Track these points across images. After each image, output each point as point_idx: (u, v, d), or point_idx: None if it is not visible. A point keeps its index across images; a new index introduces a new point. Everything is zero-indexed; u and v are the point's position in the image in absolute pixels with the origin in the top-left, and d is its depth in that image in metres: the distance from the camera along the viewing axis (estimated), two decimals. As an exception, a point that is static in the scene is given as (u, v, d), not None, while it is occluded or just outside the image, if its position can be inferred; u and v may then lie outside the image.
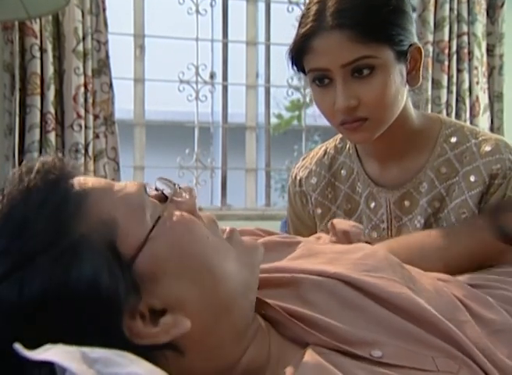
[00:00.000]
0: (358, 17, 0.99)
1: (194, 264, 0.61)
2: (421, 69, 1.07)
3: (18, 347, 0.45)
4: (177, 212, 0.63)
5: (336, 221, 0.97)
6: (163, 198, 0.65)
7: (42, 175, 0.61)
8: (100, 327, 0.55)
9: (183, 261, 0.61)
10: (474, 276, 0.85)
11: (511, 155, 1.07)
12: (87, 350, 0.48)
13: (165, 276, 0.59)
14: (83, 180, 0.62)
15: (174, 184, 0.67)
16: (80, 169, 0.65)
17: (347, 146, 1.21)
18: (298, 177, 1.26)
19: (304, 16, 1.04)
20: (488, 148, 1.08)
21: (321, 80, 1.03)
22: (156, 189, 0.67)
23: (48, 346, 0.48)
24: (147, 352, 0.55)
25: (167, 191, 0.66)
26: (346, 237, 0.93)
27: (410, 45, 1.04)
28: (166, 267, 0.60)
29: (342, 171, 1.21)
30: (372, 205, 1.15)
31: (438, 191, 1.10)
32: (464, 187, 1.07)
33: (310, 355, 0.62)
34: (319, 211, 1.22)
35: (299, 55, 1.04)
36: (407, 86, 1.07)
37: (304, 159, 1.29)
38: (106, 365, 0.46)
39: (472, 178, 1.07)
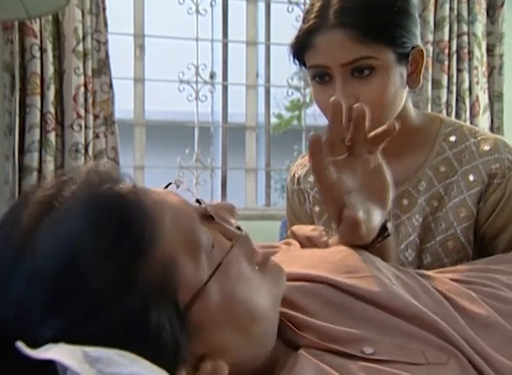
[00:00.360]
0: (361, 17, 0.99)
1: (240, 311, 0.58)
2: (422, 71, 1.07)
3: (20, 345, 0.45)
4: (235, 257, 0.59)
5: (294, 228, 0.96)
6: (206, 217, 0.60)
7: (94, 185, 0.53)
8: None
9: (231, 309, 0.58)
10: (458, 272, 0.86)
11: (510, 154, 1.07)
12: (88, 349, 0.47)
13: (213, 325, 0.56)
14: (156, 194, 0.55)
15: (200, 199, 0.61)
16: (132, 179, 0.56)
17: None
18: (296, 175, 1.26)
19: (307, 12, 1.04)
20: (487, 148, 1.08)
21: (321, 77, 1.03)
22: (197, 201, 0.61)
23: (49, 345, 0.47)
24: None
25: (208, 209, 0.60)
26: (310, 242, 0.91)
27: (413, 47, 1.04)
28: (216, 317, 0.56)
29: None
30: None
31: (436, 189, 1.10)
32: (463, 186, 1.08)
33: (304, 358, 0.61)
34: (317, 209, 1.22)
35: (300, 50, 1.05)
36: (407, 88, 1.07)
37: (302, 157, 1.29)
38: (108, 364, 0.46)
39: (471, 177, 1.07)
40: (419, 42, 1.06)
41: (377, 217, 0.81)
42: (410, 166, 1.12)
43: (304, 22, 1.04)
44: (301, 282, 0.72)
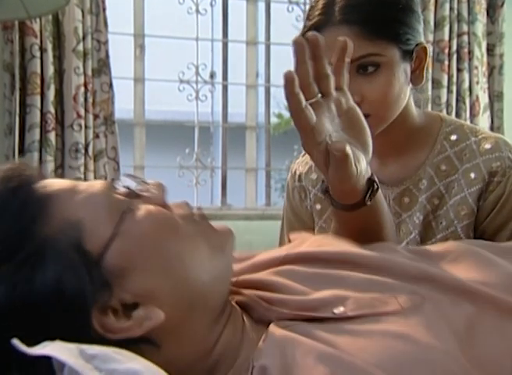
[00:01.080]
0: (367, 14, 0.99)
1: (164, 255, 0.61)
2: (425, 68, 1.08)
3: (16, 343, 0.46)
4: (143, 206, 0.63)
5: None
6: (133, 195, 0.65)
7: (3, 182, 0.61)
8: (70, 328, 0.55)
9: (152, 253, 0.61)
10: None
11: (510, 153, 1.08)
12: (85, 347, 0.48)
13: (134, 270, 0.59)
14: (46, 184, 0.62)
15: (143, 181, 0.67)
16: (46, 173, 0.66)
17: None
18: (298, 172, 1.26)
19: (312, 9, 1.05)
20: (487, 146, 1.08)
21: None
22: (124, 186, 0.67)
23: (45, 343, 0.48)
24: (122, 347, 0.54)
25: (135, 188, 0.66)
26: None
27: (417, 45, 1.05)
28: (135, 261, 0.60)
29: None
30: None
31: (437, 188, 1.10)
32: (464, 184, 1.08)
33: (272, 330, 0.62)
34: (318, 207, 1.22)
35: None
36: (410, 84, 1.08)
37: (304, 155, 1.29)
38: (104, 361, 0.47)
39: (472, 175, 1.08)
40: (422, 39, 1.07)
41: (363, 160, 0.78)
42: (412, 164, 1.13)
43: (308, 18, 1.05)
44: (270, 269, 0.74)
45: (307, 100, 0.73)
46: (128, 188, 0.66)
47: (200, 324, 0.63)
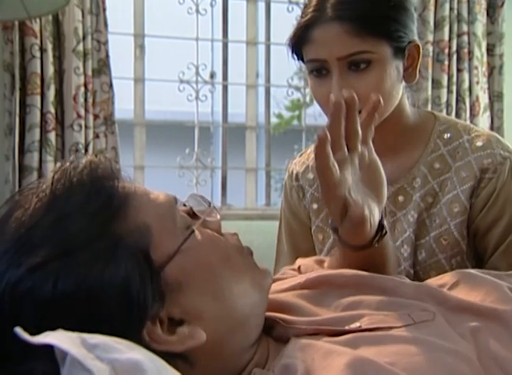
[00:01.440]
0: (358, 11, 1.00)
1: (216, 280, 0.64)
2: (418, 66, 1.08)
3: (19, 331, 0.46)
4: (207, 230, 0.67)
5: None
6: (193, 215, 0.69)
7: (88, 172, 0.63)
8: (123, 327, 0.57)
9: (208, 276, 0.64)
10: None
11: (502, 150, 1.08)
12: (86, 336, 0.49)
13: (188, 288, 0.62)
14: (127, 184, 0.64)
15: (208, 203, 0.71)
16: (123, 173, 0.67)
17: None
18: (295, 172, 1.27)
19: (306, 6, 1.06)
20: (479, 144, 1.09)
21: (318, 70, 1.05)
22: (184, 204, 0.70)
23: (47, 332, 0.48)
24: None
25: (196, 208, 0.69)
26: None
27: (409, 42, 1.05)
28: (191, 280, 0.62)
29: None
30: None
31: (431, 186, 1.11)
32: (456, 181, 1.09)
33: (292, 341, 0.66)
34: (315, 206, 1.22)
35: (298, 44, 1.06)
36: (404, 82, 1.08)
37: (301, 155, 1.30)
38: (106, 350, 0.47)
39: (464, 173, 1.08)
40: (415, 37, 1.07)
41: (377, 213, 0.82)
42: (406, 163, 1.13)
43: (301, 16, 1.06)
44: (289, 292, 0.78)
45: (334, 156, 0.76)
46: (190, 208, 0.69)
47: (234, 350, 0.65)
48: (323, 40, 1.01)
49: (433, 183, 1.10)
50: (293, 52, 1.08)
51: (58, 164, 0.64)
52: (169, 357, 0.57)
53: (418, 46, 1.07)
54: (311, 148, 1.29)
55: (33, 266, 0.56)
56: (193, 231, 0.64)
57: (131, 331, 0.57)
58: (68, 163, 0.64)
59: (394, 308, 0.70)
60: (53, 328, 0.51)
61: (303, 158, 1.28)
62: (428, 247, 1.10)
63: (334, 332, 0.67)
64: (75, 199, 0.61)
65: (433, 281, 0.83)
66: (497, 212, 1.07)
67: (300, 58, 1.08)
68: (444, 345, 0.62)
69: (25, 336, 0.46)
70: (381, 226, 0.85)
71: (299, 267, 0.94)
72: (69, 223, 0.59)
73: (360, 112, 1.01)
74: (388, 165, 1.14)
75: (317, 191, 1.22)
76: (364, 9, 1.00)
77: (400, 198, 1.13)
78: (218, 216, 0.70)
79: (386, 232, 0.86)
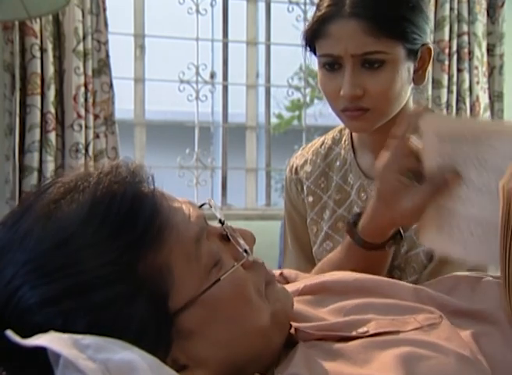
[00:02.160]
0: (376, 10, 1.00)
1: (231, 332, 0.60)
2: (428, 69, 1.09)
3: (10, 334, 0.45)
4: (230, 264, 0.61)
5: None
6: (225, 238, 0.64)
7: (129, 181, 0.57)
8: None
9: (223, 326, 0.60)
10: None
11: None
12: (78, 337, 0.48)
13: (200, 337, 0.58)
14: (164, 200, 0.58)
15: (233, 229, 0.65)
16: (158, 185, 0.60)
17: (344, 138, 1.23)
18: (294, 165, 1.28)
19: (321, 0, 1.05)
20: None
21: (331, 65, 1.05)
22: (220, 221, 0.65)
23: (39, 334, 0.48)
24: None
25: (230, 230, 0.64)
26: None
27: (423, 45, 1.06)
28: (205, 330, 0.58)
29: (336, 161, 1.22)
30: (364, 196, 1.17)
31: None
32: None
33: (299, 347, 0.64)
34: (310, 199, 1.23)
35: (313, 38, 1.06)
36: (412, 84, 1.08)
37: (303, 149, 1.31)
38: (98, 350, 0.47)
39: None
40: (429, 40, 1.08)
41: None
42: None
43: (318, 9, 1.05)
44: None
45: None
46: (222, 227, 0.64)
47: None
48: (339, 35, 1.01)
49: None
50: (306, 45, 1.08)
51: (90, 165, 0.59)
52: None
53: (430, 49, 1.08)
54: (313, 141, 1.30)
55: (46, 299, 0.52)
56: (218, 280, 0.59)
57: None
58: (103, 167, 0.58)
59: (400, 312, 0.70)
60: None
61: (303, 152, 1.29)
62: (409, 239, 1.10)
63: (341, 337, 0.66)
64: (112, 219, 0.54)
65: (431, 285, 0.83)
66: None
67: (313, 51, 1.08)
68: (453, 349, 0.61)
69: (16, 339, 0.45)
70: (398, 232, 0.94)
71: (281, 273, 0.93)
72: (97, 255, 0.53)
73: (368, 109, 1.02)
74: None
75: (313, 184, 1.23)
76: (382, 9, 1.00)
77: None
78: (251, 243, 0.64)
79: (402, 237, 0.94)
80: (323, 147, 1.25)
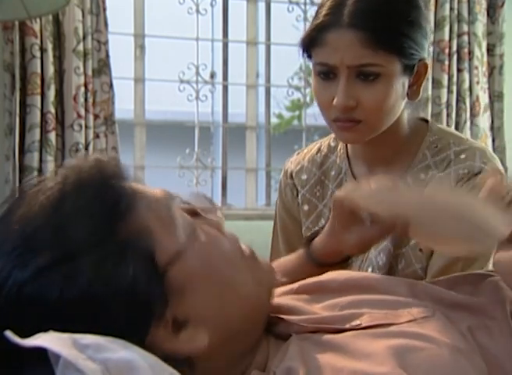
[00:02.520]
0: (375, 23, 0.99)
1: (220, 280, 0.64)
2: (422, 84, 1.08)
3: (9, 334, 0.46)
4: (210, 230, 0.66)
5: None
6: (193, 213, 0.68)
7: (97, 171, 0.62)
8: (129, 329, 0.56)
9: (211, 279, 0.63)
10: None
11: (484, 164, 1.06)
12: (78, 336, 0.48)
13: (192, 290, 0.61)
14: (132, 184, 0.63)
15: (211, 201, 0.70)
16: (128, 171, 0.66)
17: (339, 146, 1.22)
18: (290, 170, 1.28)
19: (320, 7, 1.05)
20: (463, 156, 1.08)
21: (326, 74, 1.04)
22: (185, 202, 0.69)
23: (39, 334, 0.48)
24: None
25: (197, 206, 0.69)
26: None
27: (420, 60, 1.05)
28: (195, 282, 0.61)
29: (332, 170, 1.22)
30: None
31: None
32: None
33: (293, 340, 0.65)
34: (306, 208, 1.23)
35: (310, 45, 1.05)
36: (406, 99, 1.08)
37: (298, 154, 1.30)
38: (98, 350, 0.47)
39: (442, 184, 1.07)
40: (426, 55, 1.07)
41: None
42: (394, 171, 1.13)
43: (316, 17, 1.05)
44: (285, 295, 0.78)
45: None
46: (191, 206, 0.68)
47: (235, 353, 0.65)
48: (336, 45, 1.00)
49: None
50: (303, 52, 1.08)
51: (65, 161, 0.64)
52: (172, 360, 0.57)
53: (427, 65, 1.07)
54: (309, 147, 1.29)
55: (39, 269, 0.55)
56: (194, 231, 0.64)
57: (137, 333, 0.56)
58: (74, 161, 0.63)
59: (394, 306, 0.70)
60: (57, 330, 0.51)
61: (299, 158, 1.28)
62: (407, 256, 1.09)
63: (334, 330, 0.67)
64: (83, 199, 0.60)
65: (433, 281, 0.84)
66: None
67: (309, 57, 1.08)
68: (446, 341, 0.62)
69: (16, 339, 0.45)
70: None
71: None
72: (77, 225, 0.58)
73: (360, 121, 1.02)
74: (377, 172, 1.14)
75: (308, 193, 1.23)
76: (381, 22, 0.99)
77: None
78: (221, 215, 0.70)
79: (349, 260, 0.96)
80: (319, 154, 1.24)
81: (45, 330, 0.50)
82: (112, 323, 0.56)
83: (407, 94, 1.07)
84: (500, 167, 1.08)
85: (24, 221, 0.59)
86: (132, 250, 0.58)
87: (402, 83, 1.04)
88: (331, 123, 1.07)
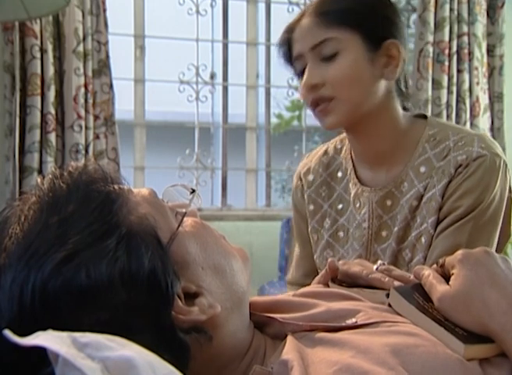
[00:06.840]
0: (329, 5, 1.08)
1: (216, 258, 0.68)
2: (399, 66, 1.09)
3: (8, 333, 0.45)
4: (193, 218, 0.71)
5: (341, 263, 0.97)
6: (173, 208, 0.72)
7: (84, 174, 0.65)
8: (155, 307, 0.59)
9: (208, 254, 0.68)
10: None
11: (482, 149, 1.07)
12: (77, 335, 0.48)
13: (194, 264, 0.66)
14: (119, 185, 0.67)
15: (191, 189, 0.74)
16: (114, 174, 0.69)
17: (344, 147, 1.24)
18: (299, 172, 1.31)
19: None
20: (461, 143, 1.09)
21: (302, 71, 1.11)
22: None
23: (38, 333, 0.48)
24: (186, 335, 0.60)
25: (171, 204, 0.72)
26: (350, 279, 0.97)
27: (387, 38, 1.07)
28: (194, 257, 0.66)
29: (338, 171, 1.24)
30: (357, 204, 1.18)
31: (417, 189, 1.12)
32: (436, 180, 1.09)
33: (289, 339, 0.67)
34: (311, 207, 1.25)
35: (287, 49, 1.13)
36: (387, 81, 1.10)
37: (307, 157, 1.33)
38: (97, 349, 0.47)
39: (442, 172, 1.09)
40: (401, 39, 1.09)
41: None
42: (396, 168, 1.15)
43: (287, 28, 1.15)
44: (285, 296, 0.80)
45: None
46: (167, 203, 0.72)
47: (239, 324, 0.68)
48: (299, 35, 1.10)
49: (419, 187, 1.11)
50: (286, 62, 1.16)
51: (50, 170, 0.67)
52: (195, 331, 0.61)
53: (397, 45, 1.08)
54: (317, 149, 1.32)
55: (60, 261, 0.56)
56: (185, 214, 0.69)
57: (163, 310, 0.59)
58: (58, 169, 0.67)
59: (388, 310, 0.72)
60: (92, 317, 0.53)
61: (307, 160, 1.31)
62: (411, 246, 1.11)
63: (330, 328, 0.68)
64: (75, 198, 0.62)
65: None
66: (452, 202, 1.07)
67: (291, 63, 1.15)
68: (439, 342, 0.64)
69: (14, 338, 0.45)
70: None
71: None
72: (77, 221, 0.59)
73: (333, 98, 1.07)
74: (380, 171, 1.16)
75: (314, 193, 1.25)
76: (335, 3, 1.08)
77: (388, 202, 1.15)
78: (200, 203, 0.74)
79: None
80: (326, 156, 1.27)
81: (81, 318, 0.53)
82: (139, 303, 0.58)
83: (383, 74, 1.09)
84: (500, 151, 1.09)
85: (21, 232, 0.60)
86: (138, 235, 0.61)
87: (368, 59, 1.07)
88: (315, 115, 1.12)
